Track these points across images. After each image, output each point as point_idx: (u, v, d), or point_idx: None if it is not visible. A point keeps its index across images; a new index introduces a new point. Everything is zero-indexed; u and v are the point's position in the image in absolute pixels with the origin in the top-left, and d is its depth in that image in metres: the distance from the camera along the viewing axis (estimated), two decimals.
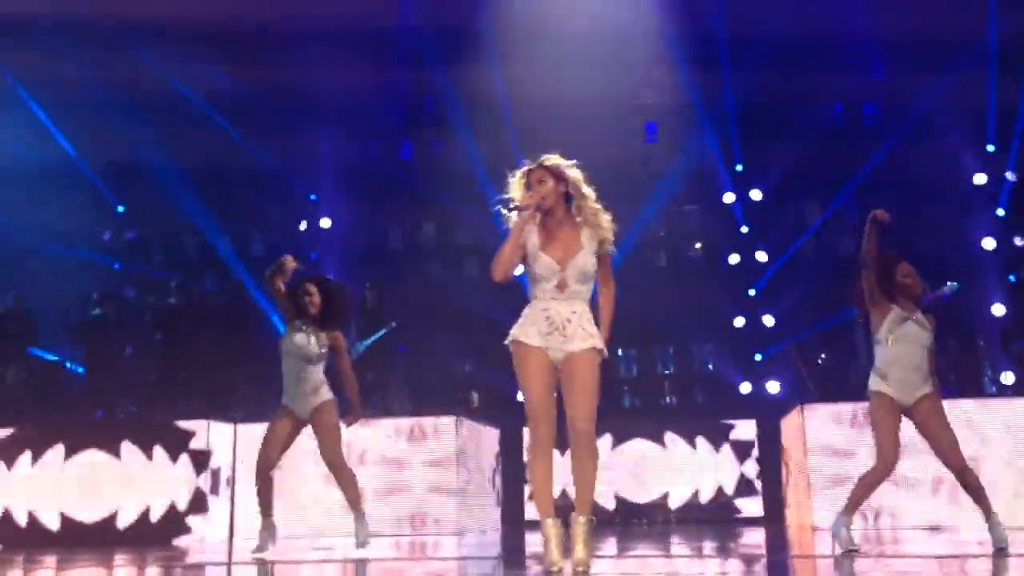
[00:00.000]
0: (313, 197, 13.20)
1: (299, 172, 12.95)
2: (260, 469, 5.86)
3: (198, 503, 7.89)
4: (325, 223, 13.06)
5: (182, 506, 7.87)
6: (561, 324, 3.96)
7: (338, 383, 5.98)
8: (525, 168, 4.10)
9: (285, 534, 6.47)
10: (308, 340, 5.86)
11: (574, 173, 4.07)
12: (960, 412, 7.31)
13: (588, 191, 4.06)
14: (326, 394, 5.89)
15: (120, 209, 13.22)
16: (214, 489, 8.10)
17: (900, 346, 5.21)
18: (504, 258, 3.98)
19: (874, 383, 5.25)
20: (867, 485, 5.25)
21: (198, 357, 9.86)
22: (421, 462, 8.28)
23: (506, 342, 4.02)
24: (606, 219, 4.04)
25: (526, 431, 4.08)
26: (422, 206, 13.07)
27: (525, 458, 9.56)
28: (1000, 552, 4.85)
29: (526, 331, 3.99)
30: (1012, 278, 10.37)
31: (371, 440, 8.29)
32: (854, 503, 5.24)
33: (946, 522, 7.47)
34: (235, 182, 12.44)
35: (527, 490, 9.59)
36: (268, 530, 5.87)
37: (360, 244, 12.98)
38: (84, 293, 10.53)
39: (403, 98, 13.62)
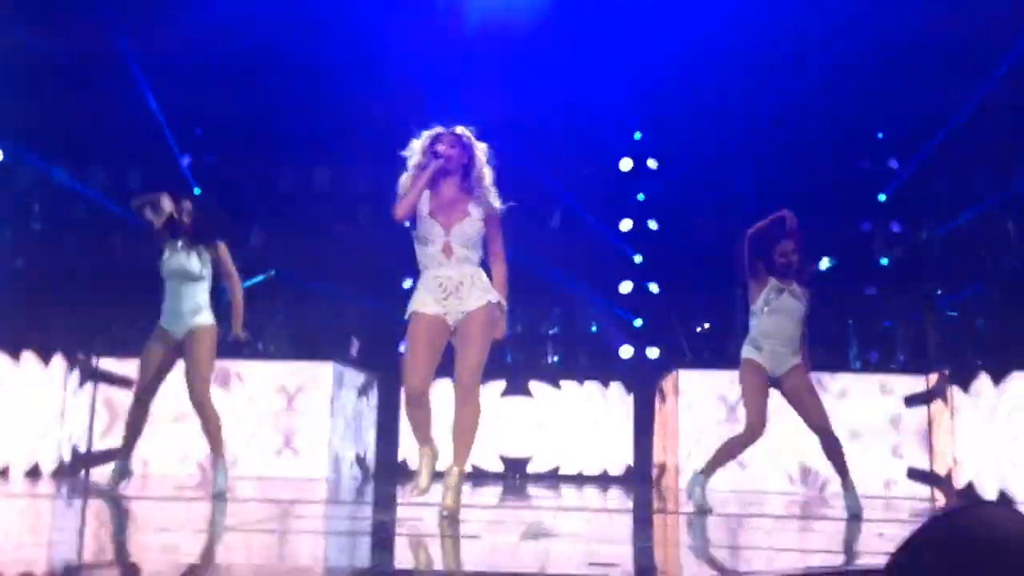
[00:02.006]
0: (198, 131, 12.67)
1: (185, 107, 12.38)
2: (136, 395, 5.56)
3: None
4: (207, 159, 12.56)
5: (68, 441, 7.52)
6: (454, 287, 4.12)
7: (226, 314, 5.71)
8: (436, 131, 4.24)
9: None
10: (189, 257, 5.57)
11: (481, 146, 4.24)
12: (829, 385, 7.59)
13: (488, 170, 4.22)
14: (207, 319, 5.55)
15: None
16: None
17: (774, 317, 5.34)
18: (411, 199, 4.14)
19: (747, 351, 5.37)
20: (730, 448, 5.38)
21: (63, 287, 9.38)
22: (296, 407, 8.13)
23: (405, 316, 4.17)
24: (493, 193, 4.20)
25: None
26: (317, 151, 12.70)
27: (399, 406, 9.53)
28: (854, 518, 5.03)
29: (423, 300, 4.14)
30: (884, 261, 10.78)
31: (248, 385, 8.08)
32: (714, 464, 5.37)
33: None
34: (122, 115, 11.82)
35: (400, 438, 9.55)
36: (122, 469, 5.54)
37: (249, 184, 12.54)
38: None
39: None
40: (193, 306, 5.54)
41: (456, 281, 4.14)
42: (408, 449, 9.45)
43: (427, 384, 4.15)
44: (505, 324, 4.26)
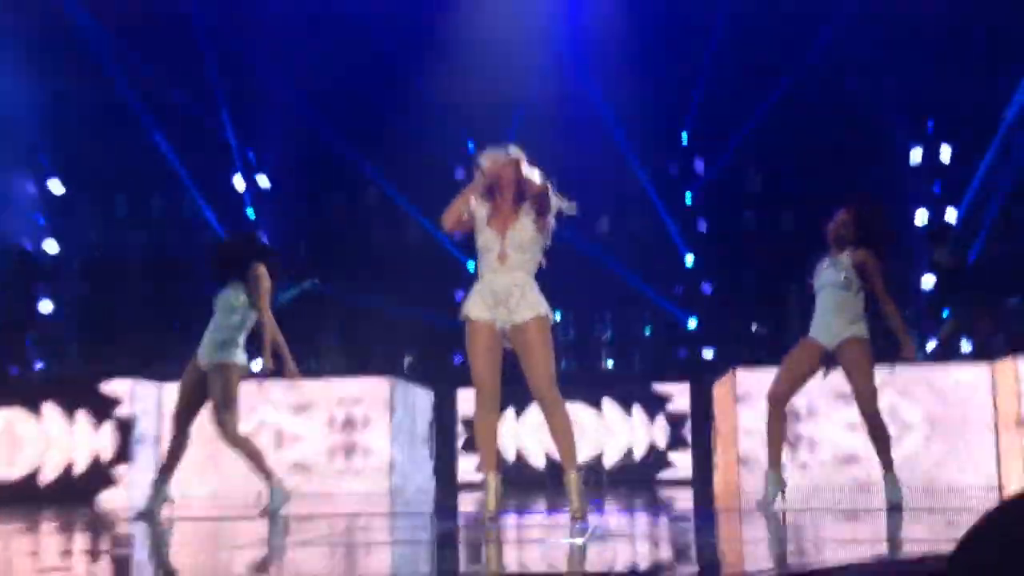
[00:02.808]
0: (251, 154, 12.93)
1: (237, 127, 12.66)
2: (174, 418, 5.63)
3: (121, 460, 7.76)
4: (263, 181, 12.81)
5: (105, 461, 7.75)
6: (505, 296, 4.29)
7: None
8: (503, 162, 4.39)
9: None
10: (231, 288, 5.63)
11: (534, 171, 4.40)
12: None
13: (540, 184, 4.36)
14: (230, 356, 5.49)
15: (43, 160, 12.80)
16: (138, 446, 7.96)
17: (821, 293, 5.30)
18: (454, 211, 4.36)
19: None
20: (769, 433, 5.34)
21: (124, 315, 9.64)
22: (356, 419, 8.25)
23: (459, 318, 4.39)
24: (554, 199, 4.35)
25: (460, 392, 4.36)
26: (368, 165, 12.86)
27: (459, 421, 9.60)
28: (894, 510, 4.93)
29: (474, 307, 4.35)
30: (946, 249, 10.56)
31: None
32: (771, 455, 5.32)
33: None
34: (172, 137, 12.12)
35: (459, 451, 9.62)
36: (162, 492, 5.53)
37: (301, 204, 12.77)
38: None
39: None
40: (220, 339, 5.52)
41: (507, 291, 4.31)
42: (466, 462, 9.51)
43: (496, 384, 4.34)
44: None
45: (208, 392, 5.52)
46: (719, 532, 4.29)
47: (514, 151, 4.45)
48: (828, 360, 5.26)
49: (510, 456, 9.39)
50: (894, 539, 3.67)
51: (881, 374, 5.37)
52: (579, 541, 3.56)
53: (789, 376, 5.32)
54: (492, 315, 4.32)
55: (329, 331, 9.69)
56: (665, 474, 9.63)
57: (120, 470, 7.77)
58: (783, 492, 5.30)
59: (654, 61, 12.00)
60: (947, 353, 8.94)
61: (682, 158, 12.93)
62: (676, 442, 9.68)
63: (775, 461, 5.31)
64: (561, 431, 4.31)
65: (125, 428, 7.78)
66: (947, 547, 1.84)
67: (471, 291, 4.42)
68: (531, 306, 4.31)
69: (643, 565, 2.93)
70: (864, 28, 11.12)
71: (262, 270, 5.62)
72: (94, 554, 3.66)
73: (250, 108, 12.52)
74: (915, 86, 11.31)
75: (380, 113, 12.20)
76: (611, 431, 9.75)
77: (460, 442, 9.64)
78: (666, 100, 12.42)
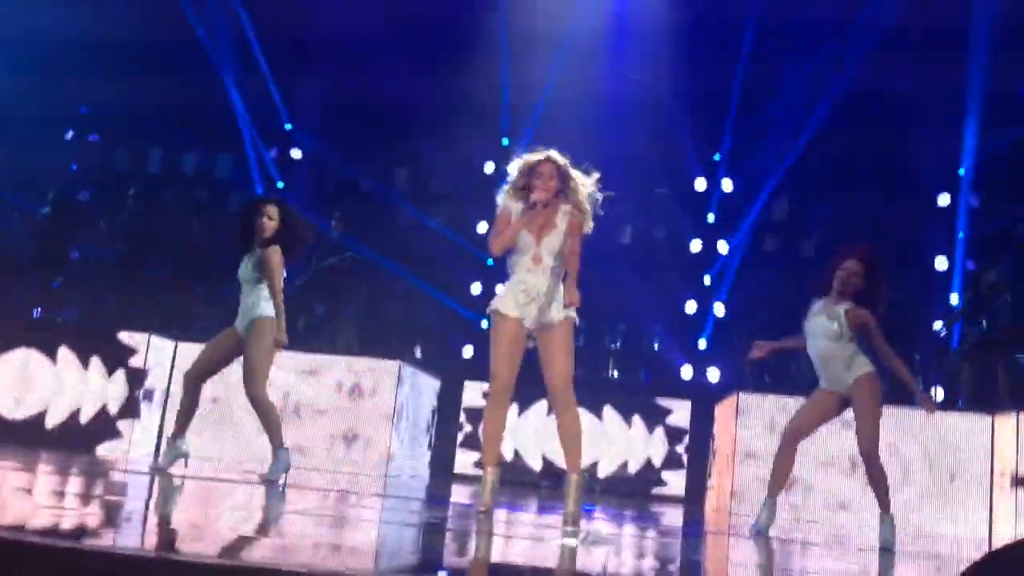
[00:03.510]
0: (288, 126, 13.05)
1: (276, 99, 12.79)
2: (188, 374, 5.73)
3: (128, 412, 7.90)
4: (296, 154, 12.93)
5: (112, 412, 7.89)
6: (536, 295, 4.45)
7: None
8: (535, 159, 4.57)
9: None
10: (246, 264, 5.73)
11: (575, 173, 4.59)
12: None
13: (582, 187, 4.56)
14: (265, 312, 5.60)
15: (83, 110, 12.96)
16: (146, 400, 8.10)
17: (812, 341, 5.37)
18: (506, 239, 4.50)
19: None
20: (775, 463, 5.42)
21: (151, 270, 9.78)
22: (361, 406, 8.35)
23: (487, 312, 4.56)
24: (586, 202, 4.54)
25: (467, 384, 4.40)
26: (398, 149, 12.96)
27: (462, 413, 9.69)
28: (884, 551, 4.99)
29: (505, 302, 4.48)
30: (955, 301, 10.59)
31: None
32: (773, 486, 5.40)
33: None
34: (208, 103, 12.25)
35: (459, 444, 9.71)
36: (175, 448, 5.66)
37: (330, 180, 12.88)
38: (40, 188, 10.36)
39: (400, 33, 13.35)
40: (246, 306, 5.66)
41: (539, 291, 4.47)
42: (464, 457, 9.60)
43: (513, 378, 4.49)
44: (575, 290, 4.49)
45: (243, 352, 5.63)
46: (705, 551, 4.37)
47: (560, 159, 4.59)
48: (846, 403, 5.35)
49: (508, 454, 9.47)
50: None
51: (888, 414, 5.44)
52: (570, 542, 3.65)
53: (809, 417, 5.39)
54: (522, 313, 4.46)
55: (348, 308, 9.79)
56: (658, 490, 9.69)
57: (126, 422, 7.90)
58: (770, 524, 5.38)
59: (695, 73, 12.04)
60: (949, 401, 8.97)
61: (711, 176, 12.96)
62: (672, 460, 9.74)
63: (775, 491, 5.38)
64: (570, 433, 4.45)
65: (136, 380, 7.91)
66: None
67: (504, 288, 4.58)
68: (560, 308, 4.46)
69: (624, 573, 3.02)
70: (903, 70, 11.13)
71: (272, 250, 5.66)
72: (85, 498, 3.78)
73: (290, 81, 12.66)
74: (950, 135, 11.30)
75: (417, 101, 12.29)
76: (610, 440, 9.82)
77: (461, 435, 9.73)
78: (702, 117, 12.46)
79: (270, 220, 5.75)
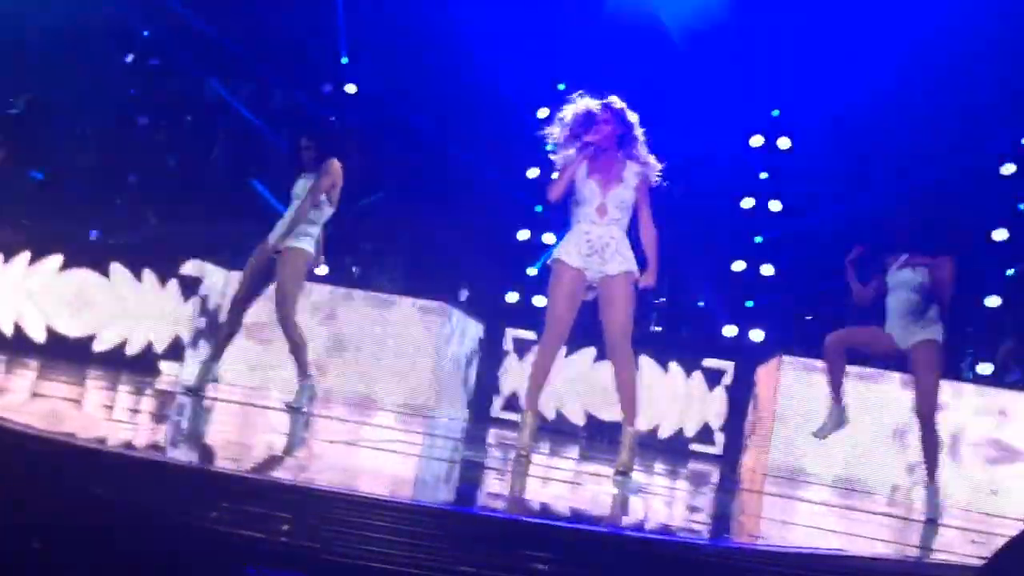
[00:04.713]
0: (344, 60, 13.03)
1: (333, 33, 12.76)
2: (232, 302, 5.80)
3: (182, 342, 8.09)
4: (351, 88, 12.91)
5: (168, 340, 8.07)
6: (600, 247, 4.44)
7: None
8: (588, 105, 4.54)
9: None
10: (303, 183, 5.73)
11: (633, 116, 4.55)
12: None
13: (641, 135, 4.54)
14: (297, 241, 5.60)
15: (145, 33, 13.04)
16: (202, 332, 8.25)
17: (894, 293, 5.27)
18: (562, 183, 4.48)
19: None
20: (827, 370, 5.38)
21: (205, 199, 9.90)
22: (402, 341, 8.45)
23: (548, 261, 4.58)
24: (653, 159, 4.54)
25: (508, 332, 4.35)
26: (452, 90, 12.86)
27: (504, 360, 9.73)
28: (930, 522, 4.95)
29: (568, 251, 4.49)
30: (1010, 272, 10.33)
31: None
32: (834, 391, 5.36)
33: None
34: (265, 34, 12.27)
35: (500, 389, 9.76)
36: (208, 371, 5.68)
37: (384, 117, 12.86)
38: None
39: None
40: (289, 224, 5.60)
41: (603, 242, 4.46)
42: (504, 402, 9.64)
43: (568, 328, 4.51)
44: (655, 274, 4.54)
45: (274, 277, 5.65)
46: (738, 505, 4.38)
47: (616, 101, 4.55)
48: (900, 359, 5.28)
49: (549, 411, 9.39)
50: (922, 545, 3.71)
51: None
52: (625, 491, 3.67)
53: (863, 339, 5.33)
54: (584, 264, 4.46)
55: (395, 248, 9.85)
56: (695, 446, 9.68)
57: (179, 348, 8.06)
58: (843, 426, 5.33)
59: (756, 25, 11.79)
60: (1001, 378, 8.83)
61: (769, 134, 12.70)
62: (711, 417, 9.70)
63: (837, 396, 5.33)
64: (628, 385, 4.46)
65: (191, 307, 8.06)
66: (974, 562, 1.90)
67: (565, 237, 4.57)
68: (624, 261, 4.46)
69: (656, 521, 3.04)
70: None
71: (335, 166, 5.66)
72: (109, 409, 3.89)
73: (349, 17, 12.61)
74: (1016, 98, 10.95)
75: (470, 41, 12.18)
76: (649, 396, 9.77)
77: (501, 381, 9.75)
78: (760, 72, 12.19)
79: (308, 151, 5.77)
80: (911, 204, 5.42)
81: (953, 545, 4.00)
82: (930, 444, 5.13)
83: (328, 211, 5.74)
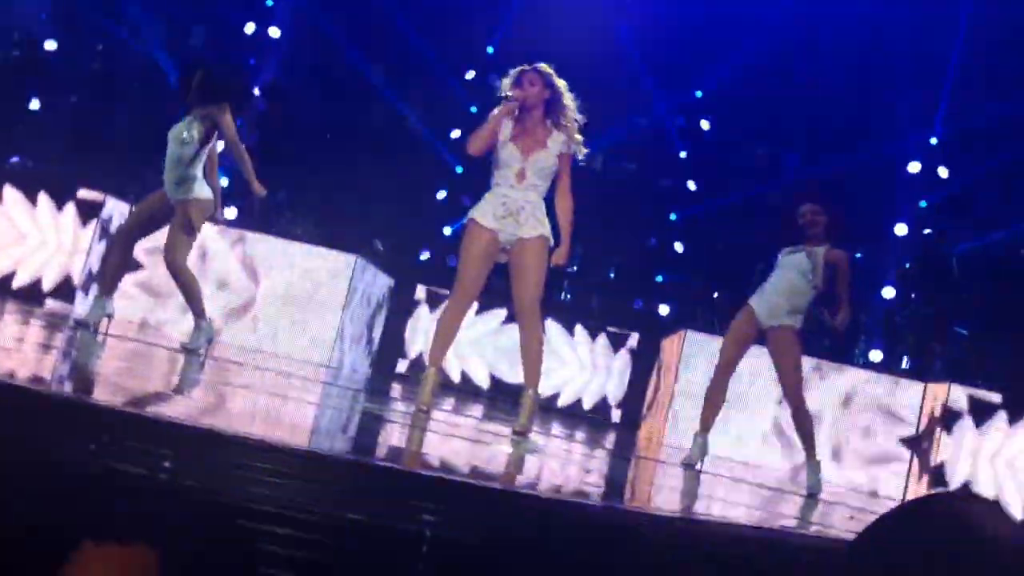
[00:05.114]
0: (270, 2, 12.64)
1: None
2: (120, 230, 5.60)
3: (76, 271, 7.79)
4: (274, 32, 12.55)
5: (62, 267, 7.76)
6: (516, 210, 4.42)
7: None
8: (520, 69, 4.55)
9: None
10: (184, 127, 5.41)
11: (561, 82, 4.55)
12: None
13: (570, 102, 4.54)
14: (190, 192, 5.38)
15: None
16: (96, 260, 7.97)
17: (779, 271, 5.42)
18: (482, 136, 4.47)
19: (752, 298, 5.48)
20: (706, 396, 5.54)
21: (111, 131, 9.52)
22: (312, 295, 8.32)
23: (463, 221, 4.57)
24: (577, 130, 4.54)
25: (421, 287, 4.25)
26: (380, 40, 12.62)
27: (412, 317, 9.65)
28: (810, 497, 5.16)
29: (483, 212, 4.46)
30: (908, 265, 10.74)
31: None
32: (705, 420, 5.52)
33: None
34: None
35: (405, 345, 9.70)
36: (101, 306, 5.48)
37: (306, 62, 12.54)
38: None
39: None
40: (179, 176, 5.39)
41: (519, 205, 4.44)
42: (410, 359, 9.57)
43: (478, 289, 4.51)
44: (567, 252, 4.56)
45: (169, 221, 5.47)
46: (632, 473, 4.47)
47: (544, 67, 4.55)
48: (759, 336, 5.44)
49: (455, 372, 9.38)
50: (800, 517, 3.85)
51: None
52: (519, 449, 3.70)
53: (734, 343, 5.49)
54: (498, 226, 4.44)
55: (310, 197, 9.66)
56: (593, 414, 9.80)
57: (74, 280, 7.78)
58: (703, 459, 5.50)
59: (681, 10, 11.89)
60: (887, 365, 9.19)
61: (690, 114, 12.86)
62: (611, 385, 9.83)
63: (706, 426, 5.50)
64: (533, 350, 4.46)
65: (90, 236, 7.76)
66: (848, 535, 1.97)
67: (482, 199, 4.54)
68: (538, 225, 4.45)
69: (549, 482, 3.08)
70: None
71: (226, 111, 5.38)
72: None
73: None
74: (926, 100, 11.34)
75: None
76: (561, 360, 9.82)
77: (407, 335, 9.68)
78: (687, 56, 12.31)
79: (196, 84, 5.49)
80: (819, 195, 5.54)
81: (830, 519, 4.16)
82: (802, 423, 5.32)
83: (205, 151, 5.43)
